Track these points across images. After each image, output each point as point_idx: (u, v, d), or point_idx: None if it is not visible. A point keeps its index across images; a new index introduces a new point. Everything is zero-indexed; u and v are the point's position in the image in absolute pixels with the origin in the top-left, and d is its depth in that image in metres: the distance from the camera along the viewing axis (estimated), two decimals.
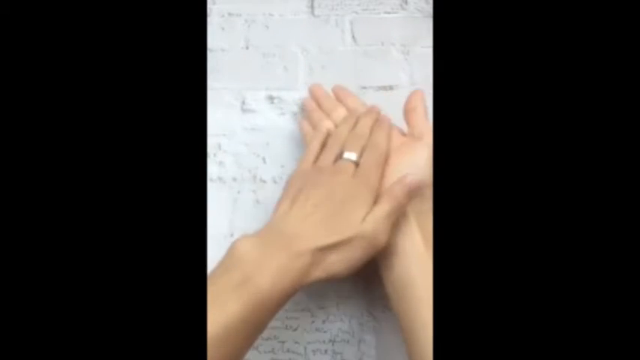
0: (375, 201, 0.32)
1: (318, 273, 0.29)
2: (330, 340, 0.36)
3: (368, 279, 0.37)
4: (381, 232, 0.31)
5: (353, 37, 0.46)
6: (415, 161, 0.34)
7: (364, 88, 0.44)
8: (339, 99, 0.40)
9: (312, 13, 0.47)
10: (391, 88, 0.44)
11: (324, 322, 0.37)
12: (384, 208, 0.31)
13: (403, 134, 0.37)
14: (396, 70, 0.44)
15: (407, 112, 0.37)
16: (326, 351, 0.36)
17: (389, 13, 0.47)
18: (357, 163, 0.34)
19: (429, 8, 0.47)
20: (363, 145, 0.35)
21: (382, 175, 0.34)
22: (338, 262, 0.30)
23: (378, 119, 0.37)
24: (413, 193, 0.32)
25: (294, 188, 0.33)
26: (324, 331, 0.37)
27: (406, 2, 0.47)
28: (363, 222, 0.31)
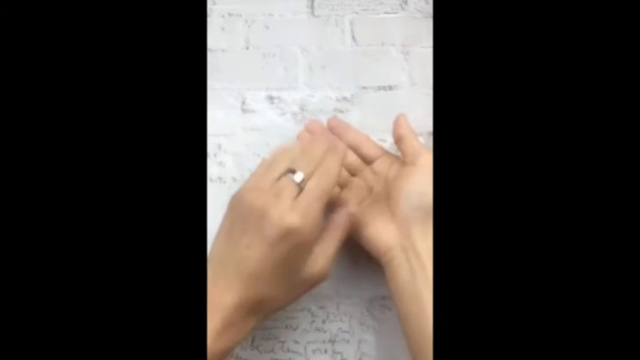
0: (317, 236, 0.30)
1: (257, 320, 0.29)
2: (330, 340, 0.36)
3: (368, 279, 0.38)
4: (327, 271, 0.31)
5: (353, 37, 0.46)
6: (420, 189, 0.33)
7: (364, 88, 0.44)
8: (338, 135, 0.38)
9: (312, 13, 0.47)
10: (391, 88, 0.44)
11: (324, 322, 0.37)
12: (330, 249, 0.31)
13: (397, 158, 0.37)
14: (396, 70, 0.44)
15: (396, 141, 0.36)
16: (326, 351, 0.36)
17: (389, 13, 0.47)
18: (300, 187, 0.30)
19: (429, 8, 0.47)
20: (313, 168, 0.31)
21: (323, 209, 0.31)
22: (281, 304, 0.30)
23: (334, 145, 0.33)
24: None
25: (229, 219, 0.31)
26: (324, 331, 0.37)
27: (406, 2, 0.47)
28: (308, 267, 0.30)
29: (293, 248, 0.29)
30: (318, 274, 0.30)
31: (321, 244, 0.31)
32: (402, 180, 0.34)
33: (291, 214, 0.28)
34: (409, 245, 0.32)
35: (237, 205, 0.31)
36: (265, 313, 0.30)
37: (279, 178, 0.31)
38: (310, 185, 0.31)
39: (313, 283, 0.31)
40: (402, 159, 0.36)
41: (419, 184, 0.33)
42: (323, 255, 0.31)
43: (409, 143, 0.35)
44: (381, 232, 0.34)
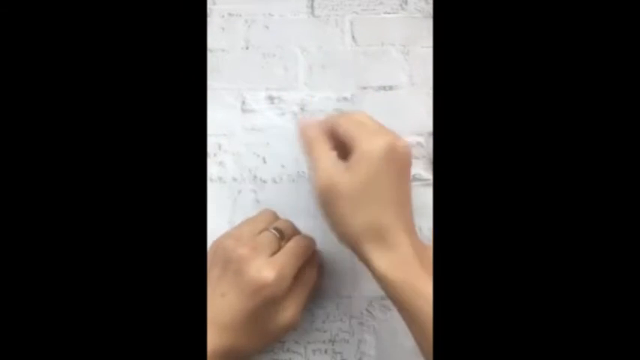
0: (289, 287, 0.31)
1: None
2: (330, 340, 0.36)
3: (368, 279, 0.37)
4: (296, 322, 0.32)
5: (353, 37, 0.46)
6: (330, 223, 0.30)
7: (364, 88, 0.44)
8: None
9: (312, 13, 0.47)
10: (391, 88, 0.44)
11: (324, 322, 0.37)
12: (300, 301, 0.32)
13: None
14: (396, 70, 0.44)
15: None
16: (326, 351, 0.36)
17: (389, 13, 0.47)
18: (280, 245, 0.32)
19: (429, 8, 0.47)
20: (294, 232, 0.34)
21: (296, 270, 0.32)
22: (252, 352, 0.32)
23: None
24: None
25: (208, 262, 0.32)
26: (324, 331, 0.37)
27: (406, 2, 0.47)
28: (279, 319, 0.31)
29: (265, 301, 0.30)
30: (287, 324, 0.32)
31: (291, 296, 0.32)
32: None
33: (267, 270, 0.30)
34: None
35: (216, 249, 0.32)
36: None
37: (260, 232, 0.33)
38: (289, 245, 0.32)
39: (283, 332, 0.32)
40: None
41: (327, 216, 0.30)
42: (293, 307, 0.32)
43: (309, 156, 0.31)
44: None
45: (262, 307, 0.30)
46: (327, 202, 0.29)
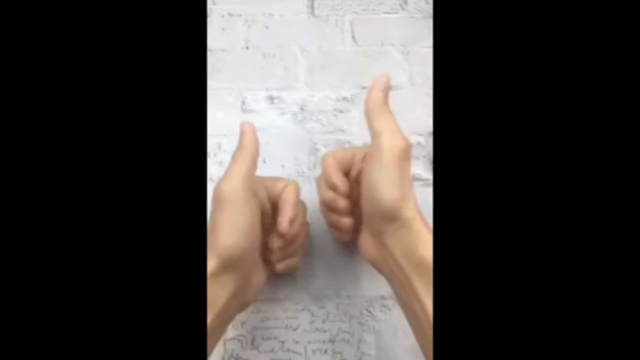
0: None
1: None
2: (330, 340, 0.36)
3: (368, 279, 0.38)
4: (238, 191, 0.31)
5: (353, 37, 0.46)
6: (375, 192, 0.29)
7: (364, 88, 0.44)
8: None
9: (312, 13, 0.47)
10: (391, 88, 0.44)
11: (324, 322, 0.37)
12: (240, 168, 0.31)
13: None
14: (396, 70, 0.44)
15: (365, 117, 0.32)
16: (326, 351, 0.36)
17: (389, 13, 0.47)
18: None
19: (428, 8, 0.47)
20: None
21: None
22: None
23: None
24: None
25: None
26: (324, 331, 0.37)
27: (406, 2, 0.47)
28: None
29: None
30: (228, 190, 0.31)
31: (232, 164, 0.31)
32: (363, 177, 0.30)
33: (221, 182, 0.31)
34: (387, 255, 0.29)
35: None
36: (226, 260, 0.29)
37: None
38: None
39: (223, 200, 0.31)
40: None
41: (373, 184, 0.29)
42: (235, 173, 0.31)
43: (373, 121, 0.31)
44: (362, 244, 0.32)
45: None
46: (403, 162, 0.29)
